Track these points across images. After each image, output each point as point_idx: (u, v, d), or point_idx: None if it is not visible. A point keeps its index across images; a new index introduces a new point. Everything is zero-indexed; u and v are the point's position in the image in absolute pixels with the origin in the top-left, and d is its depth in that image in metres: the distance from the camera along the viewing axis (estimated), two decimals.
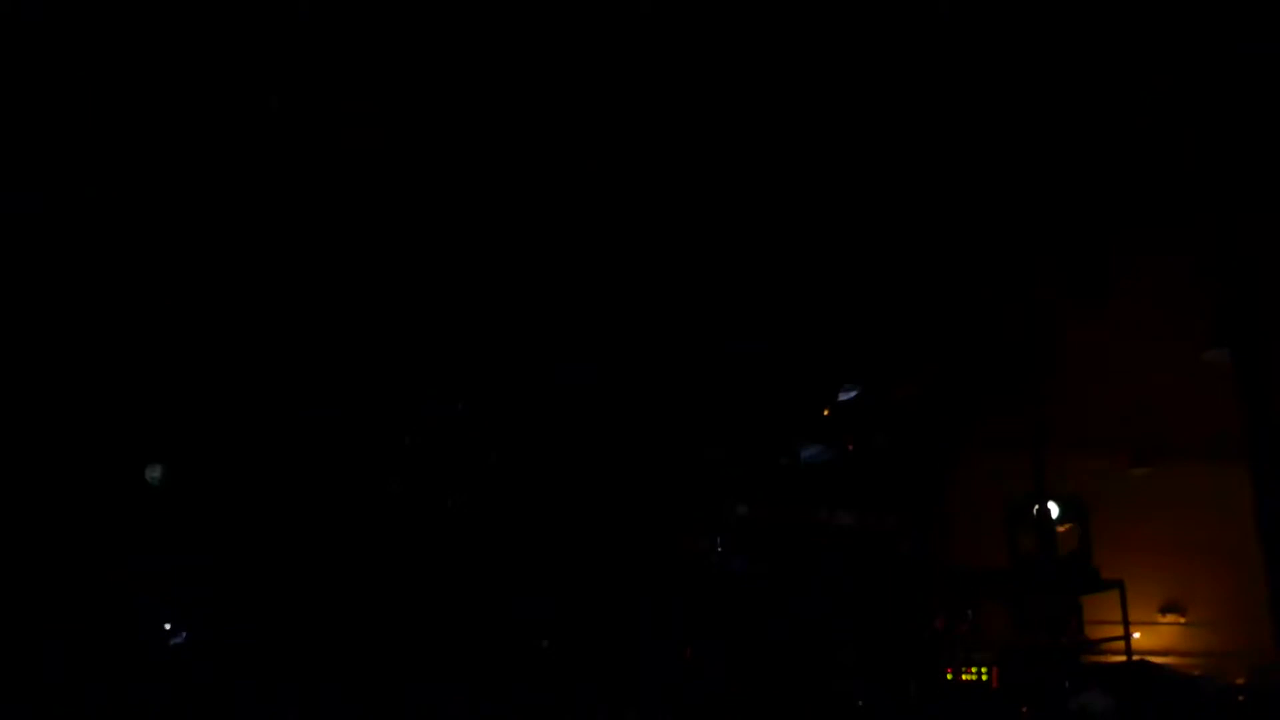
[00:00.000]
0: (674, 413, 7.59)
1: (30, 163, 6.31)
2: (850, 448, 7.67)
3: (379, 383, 7.24)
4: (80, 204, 6.53)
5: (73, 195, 6.48)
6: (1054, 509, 7.37)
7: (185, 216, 6.79)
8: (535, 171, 7.29)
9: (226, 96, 6.29)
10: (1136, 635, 7.16)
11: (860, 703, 6.86)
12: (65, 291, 6.73)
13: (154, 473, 7.30)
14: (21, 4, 5.58)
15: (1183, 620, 7.26)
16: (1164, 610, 7.33)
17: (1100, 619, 7.32)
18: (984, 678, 7.32)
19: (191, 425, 6.98)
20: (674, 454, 7.47)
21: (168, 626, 6.52)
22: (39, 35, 5.70)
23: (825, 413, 7.82)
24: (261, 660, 6.41)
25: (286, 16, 6.00)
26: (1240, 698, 6.72)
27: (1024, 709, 6.81)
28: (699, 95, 6.79)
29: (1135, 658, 7.09)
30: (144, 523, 6.64)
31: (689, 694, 6.78)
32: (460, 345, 7.54)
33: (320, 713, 6.23)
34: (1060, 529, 7.40)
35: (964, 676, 7.24)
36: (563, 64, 6.55)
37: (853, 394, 7.75)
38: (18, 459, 6.51)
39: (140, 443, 6.89)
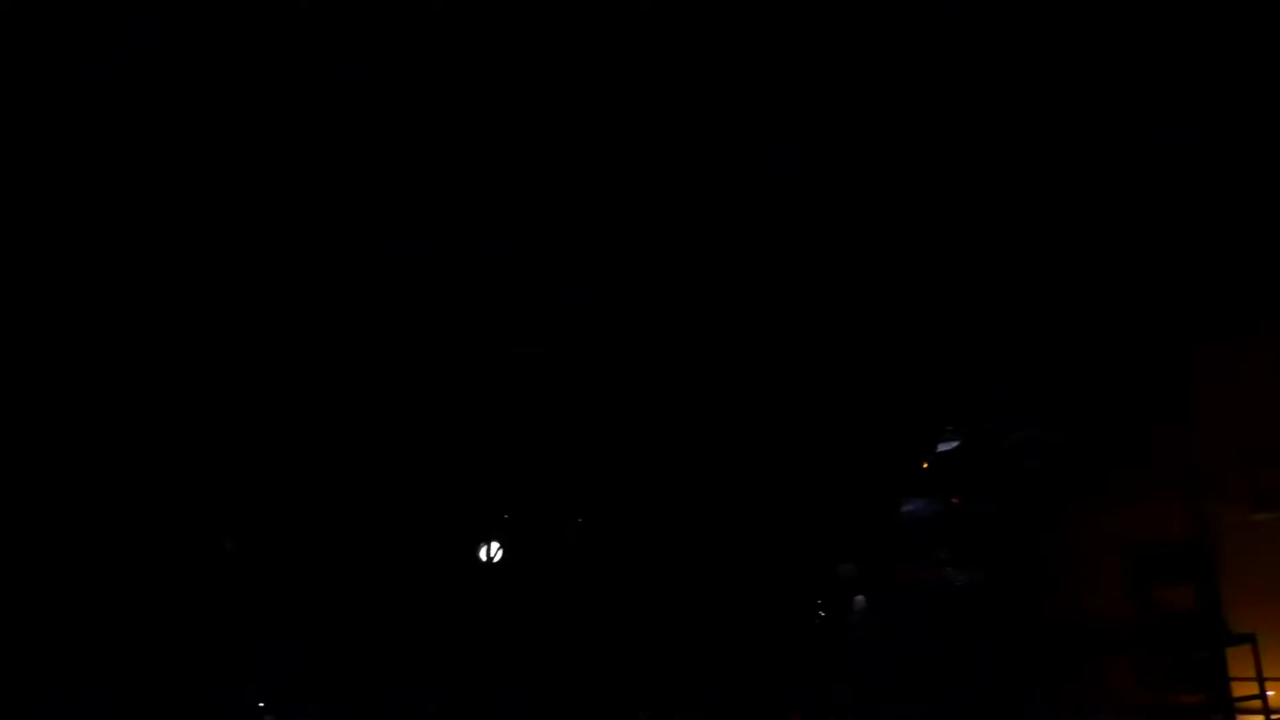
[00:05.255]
0: (776, 468, 7.37)
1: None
2: (954, 501, 7.40)
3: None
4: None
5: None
6: (1179, 558, 7.03)
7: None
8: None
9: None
10: (1271, 693, 6.75)
11: None
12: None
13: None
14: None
15: None
16: None
17: (1230, 676, 6.92)
18: None
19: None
20: (782, 509, 7.24)
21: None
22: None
23: (925, 466, 7.56)
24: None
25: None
26: None
27: None
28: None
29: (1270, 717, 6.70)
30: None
31: None
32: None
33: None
34: (1186, 580, 7.05)
35: None
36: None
37: (954, 445, 7.48)
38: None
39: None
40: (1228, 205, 6.74)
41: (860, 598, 7.12)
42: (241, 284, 7.05)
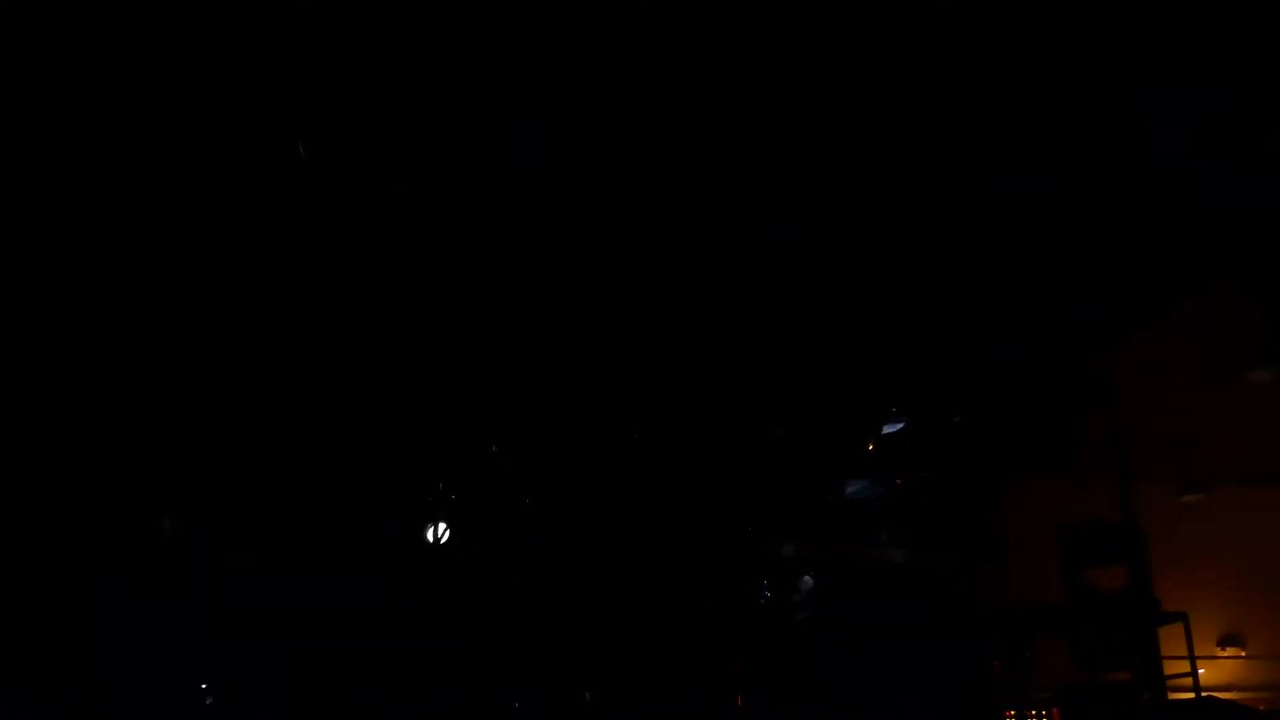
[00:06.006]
0: (715, 450, 7.34)
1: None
2: (898, 482, 7.46)
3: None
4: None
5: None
6: (1111, 539, 7.19)
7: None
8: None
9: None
10: (1202, 671, 6.95)
11: None
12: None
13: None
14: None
15: (1243, 653, 7.06)
16: (1222, 643, 7.13)
17: (1162, 654, 7.12)
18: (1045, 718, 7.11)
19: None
20: (715, 490, 7.22)
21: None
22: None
23: (870, 447, 7.60)
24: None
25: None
26: None
27: None
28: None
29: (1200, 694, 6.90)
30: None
31: None
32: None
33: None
34: (1118, 561, 7.21)
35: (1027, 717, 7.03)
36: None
37: (898, 427, 7.54)
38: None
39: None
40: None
41: (808, 578, 7.13)
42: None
